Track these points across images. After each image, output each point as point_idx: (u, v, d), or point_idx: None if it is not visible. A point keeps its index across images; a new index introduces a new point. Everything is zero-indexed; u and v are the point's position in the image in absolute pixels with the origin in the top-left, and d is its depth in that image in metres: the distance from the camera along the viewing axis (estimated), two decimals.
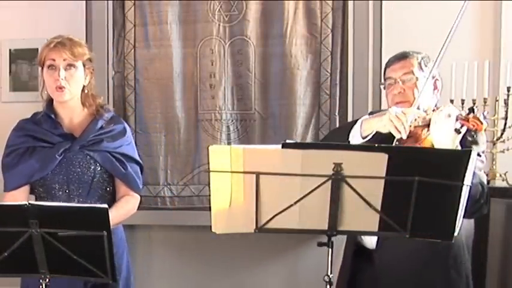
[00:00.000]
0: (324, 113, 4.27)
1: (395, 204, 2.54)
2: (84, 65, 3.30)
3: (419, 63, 3.14)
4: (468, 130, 2.80)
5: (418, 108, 2.99)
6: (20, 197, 3.24)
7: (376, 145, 2.56)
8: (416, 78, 3.10)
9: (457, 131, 2.76)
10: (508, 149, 3.92)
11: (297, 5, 4.33)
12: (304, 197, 2.55)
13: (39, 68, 3.34)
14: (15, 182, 3.29)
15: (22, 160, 3.28)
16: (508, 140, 3.93)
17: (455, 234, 2.58)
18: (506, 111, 3.90)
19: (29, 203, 2.63)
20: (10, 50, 4.59)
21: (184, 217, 4.38)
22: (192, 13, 4.42)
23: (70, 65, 3.25)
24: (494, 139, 3.95)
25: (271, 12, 4.36)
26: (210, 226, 2.67)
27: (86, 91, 3.32)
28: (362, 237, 3.12)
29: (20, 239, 2.66)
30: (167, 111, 4.43)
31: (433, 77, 3.11)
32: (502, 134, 3.93)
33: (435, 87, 3.16)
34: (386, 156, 2.50)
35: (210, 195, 2.67)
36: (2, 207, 2.69)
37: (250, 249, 4.32)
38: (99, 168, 3.28)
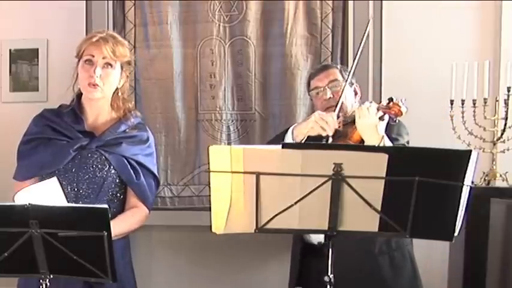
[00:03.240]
0: None
1: (395, 204, 2.55)
2: (122, 67, 3.22)
3: (340, 71, 3.52)
4: (390, 117, 3.09)
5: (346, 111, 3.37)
6: None
7: (377, 145, 2.56)
8: (341, 84, 3.43)
9: (381, 119, 3.07)
10: (508, 149, 3.92)
11: (297, 5, 4.33)
12: (304, 197, 2.55)
13: (76, 60, 3.24)
14: (26, 172, 3.22)
15: (36, 151, 3.20)
16: (508, 140, 3.93)
17: (456, 234, 2.59)
18: (507, 112, 3.90)
19: (29, 203, 2.63)
20: (10, 50, 4.59)
21: (185, 217, 4.38)
22: (192, 13, 4.42)
23: (108, 64, 3.17)
24: (495, 139, 3.95)
25: (272, 13, 4.36)
26: (210, 226, 2.67)
27: (118, 93, 3.24)
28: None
29: (20, 239, 2.66)
30: (167, 112, 4.43)
31: (352, 84, 3.45)
32: (502, 134, 3.93)
33: (356, 93, 3.53)
34: (386, 156, 2.50)
35: (210, 196, 2.67)
36: (2, 207, 2.68)
37: (250, 249, 4.31)
38: (112, 171, 3.19)
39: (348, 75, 3.38)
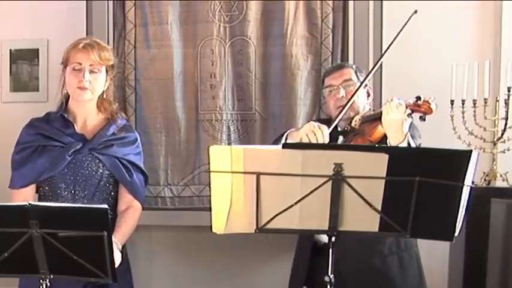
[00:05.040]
0: (325, 113, 4.26)
1: (395, 204, 2.55)
2: (107, 71, 3.36)
3: (355, 72, 3.55)
4: (419, 116, 3.09)
5: (358, 111, 3.41)
6: (28, 194, 3.30)
7: (377, 145, 2.56)
8: (355, 84, 3.47)
9: (409, 116, 3.07)
10: (508, 149, 3.92)
11: (297, 5, 4.32)
12: (304, 197, 2.55)
13: (62, 67, 3.37)
14: (24, 179, 3.32)
15: (32, 158, 3.31)
16: (508, 140, 3.93)
17: (456, 234, 2.59)
18: (507, 112, 3.90)
19: (29, 204, 2.64)
20: (10, 50, 4.59)
21: (185, 217, 4.38)
22: (193, 13, 4.42)
23: (95, 69, 3.30)
24: (495, 139, 3.95)
25: (272, 13, 4.35)
26: (211, 226, 2.67)
27: (104, 96, 3.39)
28: None
29: (20, 239, 2.67)
30: (167, 112, 4.43)
31: (366, 85, 3.46)
32: (502, 134, 3.93)
33: (368, 95, 3.55)
34: (386, 156, 2.50)
35: (210, 196, 2.67)
36: (2, 207, 2.69)
37: (251, 249, 4.31)
38: (106, 172, 3.33)
39: (366, 77, 3.43)
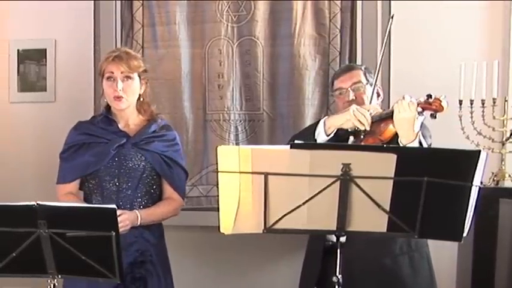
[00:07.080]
0: (333, 113, 4.25)
1: (404, 204, 2.54)
2: (139, 76, 3.52)
3: (364, 73, 3.53)
4: (430, 114, 3.08)
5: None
6: (72, 189, 3.51)
7: (385, 145, 2.56)
8: (364, 86, 3.48)
9: (421, 114, 3.08)
10: None
11: (305, 5, 4.32)
12: (312, 197, 2.55)
13: (100, 78, 3.55)
14: (72, 175, 3.52)
15: (78, 155, 3.51)
16: None
17: (464, 234, 2.58)
18: None
19: (38, 203, 2.64)
20: (18, 50, 4.59)
21: (192, 217, 4.36)
22: (200, 13, 4.42)
23: (127, 77, 3.47)
24: (504, 139, 3.94)
25: (280, 13, 4.35)
26: (218, 227, 2.67)
27: (141, 99, 3.55)
28: None
29: (29, 239, 2.67)
30: (175, 112, 4.43)
31: (375, 85, 3.47)
32: (511, 134, 3.92)
33: (378, 95, 3.54)
34: (395, 156, 2.49)
35: (218, 196, 2.67)
36: (10, 207, 2.69)
37: (258, 250, 4.31)
38: (148, 166, 3.48)
39: (376, 79, 3.46)
